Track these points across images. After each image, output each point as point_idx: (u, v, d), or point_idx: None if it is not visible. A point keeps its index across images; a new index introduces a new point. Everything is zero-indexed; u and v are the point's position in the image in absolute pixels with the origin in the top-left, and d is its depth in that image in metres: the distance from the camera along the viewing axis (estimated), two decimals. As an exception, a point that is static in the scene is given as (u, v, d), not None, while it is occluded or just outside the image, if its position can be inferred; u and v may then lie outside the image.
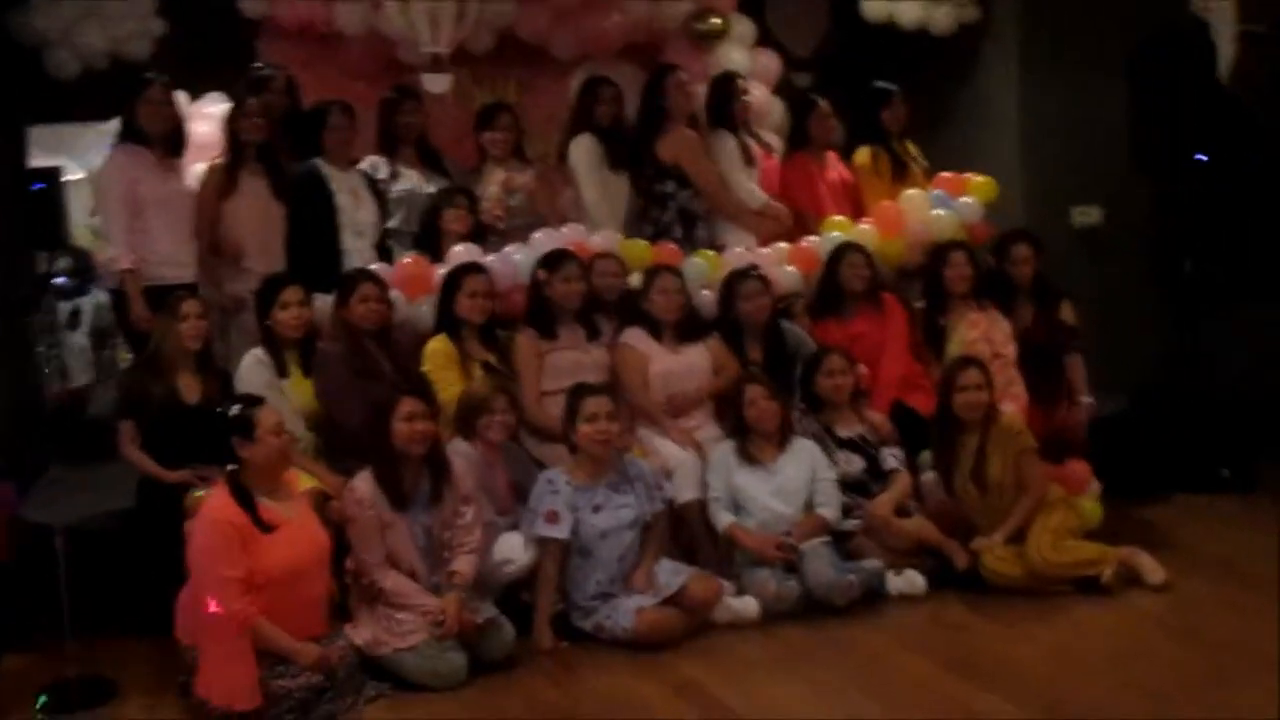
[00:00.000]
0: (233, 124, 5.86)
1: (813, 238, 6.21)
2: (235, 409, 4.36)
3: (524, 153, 6.41)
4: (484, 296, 5.38)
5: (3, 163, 6.55)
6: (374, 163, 6.22)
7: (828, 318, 5.98)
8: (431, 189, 6.17)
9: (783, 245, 6.19)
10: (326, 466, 4.99)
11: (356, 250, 5.93)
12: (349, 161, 6.09)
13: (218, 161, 5.87)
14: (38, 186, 6.98)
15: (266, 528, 4.23)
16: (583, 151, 6.18)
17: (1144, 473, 6.32)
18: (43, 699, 4.38)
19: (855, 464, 5.40)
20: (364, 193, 6.03)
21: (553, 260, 5.51)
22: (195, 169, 6.16)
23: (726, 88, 6.39)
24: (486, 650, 4.54)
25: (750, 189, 6.32)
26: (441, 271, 5.55)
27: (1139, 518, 5.97)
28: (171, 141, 5.78)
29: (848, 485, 5.34)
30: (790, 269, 6.06)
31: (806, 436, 5.36)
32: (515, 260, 5.70)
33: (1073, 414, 5.85)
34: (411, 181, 6.20)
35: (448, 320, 5.39)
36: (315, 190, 5.90)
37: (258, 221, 5.83)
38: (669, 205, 6.18)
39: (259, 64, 6.45)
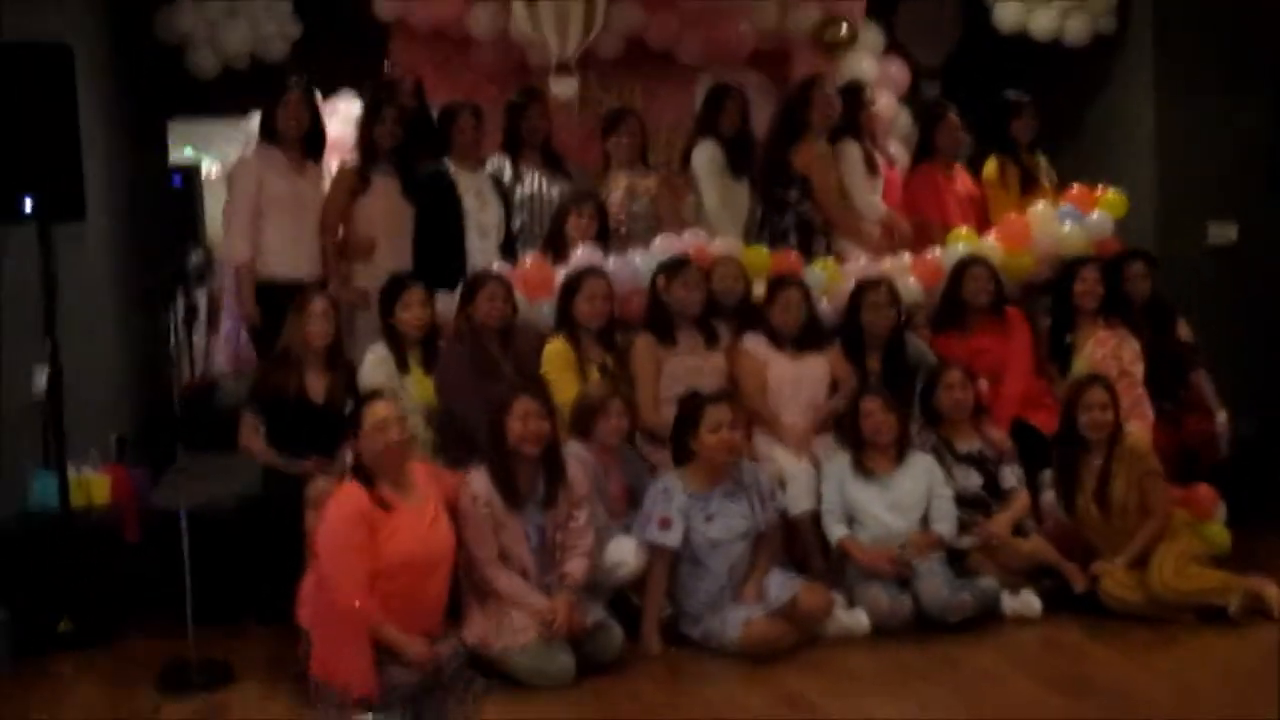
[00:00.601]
0: (366, 128, 5.99)
1: (936, 249, 6.16)
2: (350, 405, 4.46)
3: (647, 158, 6.46)
4: (603, 300, 5.43)
5: (145, 157, 6.79)
6: (499, 164, 6.32)
7: (950, 331, 5.94)
8: (555, 192, 6.26)
9: (906, 257, 6.16)
10: (443, 464, 5.06)
11: (481, 250, 6.04)
12: (476, 162, 6.20)
13: (349, 163, 6.01)
14: (177, 181, 7.26)
15: (388, 506, 4.32)
16: (706, 158, 6.22)
17: (1276, 499, 6.11)
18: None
19: (973, 480, 5.34)
20: (489, 194, 6.14)
21: (672, 266, 5.55)
22: (329, 168, 6.34)
23: (854, 97, 6.38)
24: (595, 652, 4.58)
25: (871, 201, 6.31)
26: (562, 274, 5.61)
27: (1270, 546, 5.78)
28: (308, 143, 5.94)
29: (965, 502, 5.28)
30: (912, 281, 6.02)
31: (925, 451, 5.33)
32: (636, 265, 5.75)
33: (1203, 428, 5.72)
34: (535, 184, 6.30)
35: (566, 322, 5.45)
36: (443, 191, 6.02)
37: (388, 220, 5.96)
38: (788, 213, 6.19)
39: (388, 68, 6.58)
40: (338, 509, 4.31)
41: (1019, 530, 5.27)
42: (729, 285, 5.70)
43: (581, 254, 5.70)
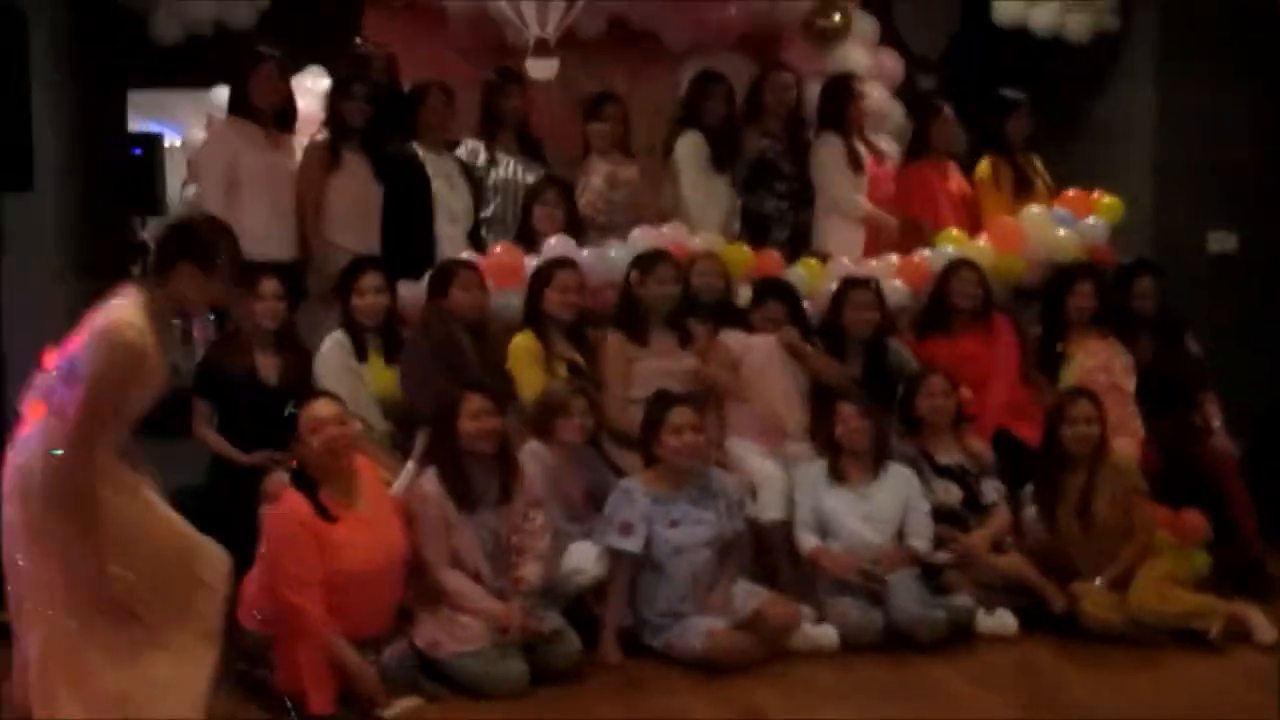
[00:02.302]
0: (336, 103, 5.98)
1: (925, 251, 6.19)
2: (289, 407, 4.45)
3: (629, 145, 6.45)
4: (574, 292, 5.44)
5: (104, 126, 6.76)
6: (473, 147, 6.31)
7: (934, 335, 5.96)
8: (530, 178, 6.25)
9: (892, 258, 6.17)
10: (401, 459, 5.07)
11: (449, 237, 6.05)
12: (445, 145, 6.19)
13: (319, 138, 5.99)
14: (137, 151, 7.23)
15: (332, 518, 4.31)
16: (689, 150, 6.23)
17: (1268, 518, 6.08)
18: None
19: (953, 494, 5.36)
20: (458, 178, 6.15)
21: (647, 261, 5.55)
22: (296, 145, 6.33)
23: (841, 89, 6.37)
24: (550, 660, 4.59)
25: (852, 198, 6.34)
26: (532, 264, 5.60)
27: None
28: (281, 117, 5.93)
29: (943, 515, 5.29)
30: (898, 284, 6.03)
31: (903, 461, 5.33)
32: (610, 257, 5.76)
33: (1210, 453, 5.74)
34: (509, 169, 6.29)
35: (535, 315, 5.44)
36: (412, 173, 6.01)
37: (357, 201, 5.95)
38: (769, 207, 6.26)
39: (360, 42, 6.55)
40: (280, 522, 4.30)
41: (998, 547, 5.27)
42: (708, 282, 5.71)
43: (554, 244, 5.70)
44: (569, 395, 5.05)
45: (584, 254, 5.71)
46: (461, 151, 6.29)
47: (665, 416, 4.87)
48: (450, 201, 6.09)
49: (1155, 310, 6.01)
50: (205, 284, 3.76)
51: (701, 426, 4.95)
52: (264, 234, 5.72)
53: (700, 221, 6.12)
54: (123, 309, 3.63)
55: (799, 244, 6.32)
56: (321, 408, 4.42)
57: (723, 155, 6.27)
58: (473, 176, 6.22)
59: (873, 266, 6.08)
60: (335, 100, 6.01)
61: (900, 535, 5.18)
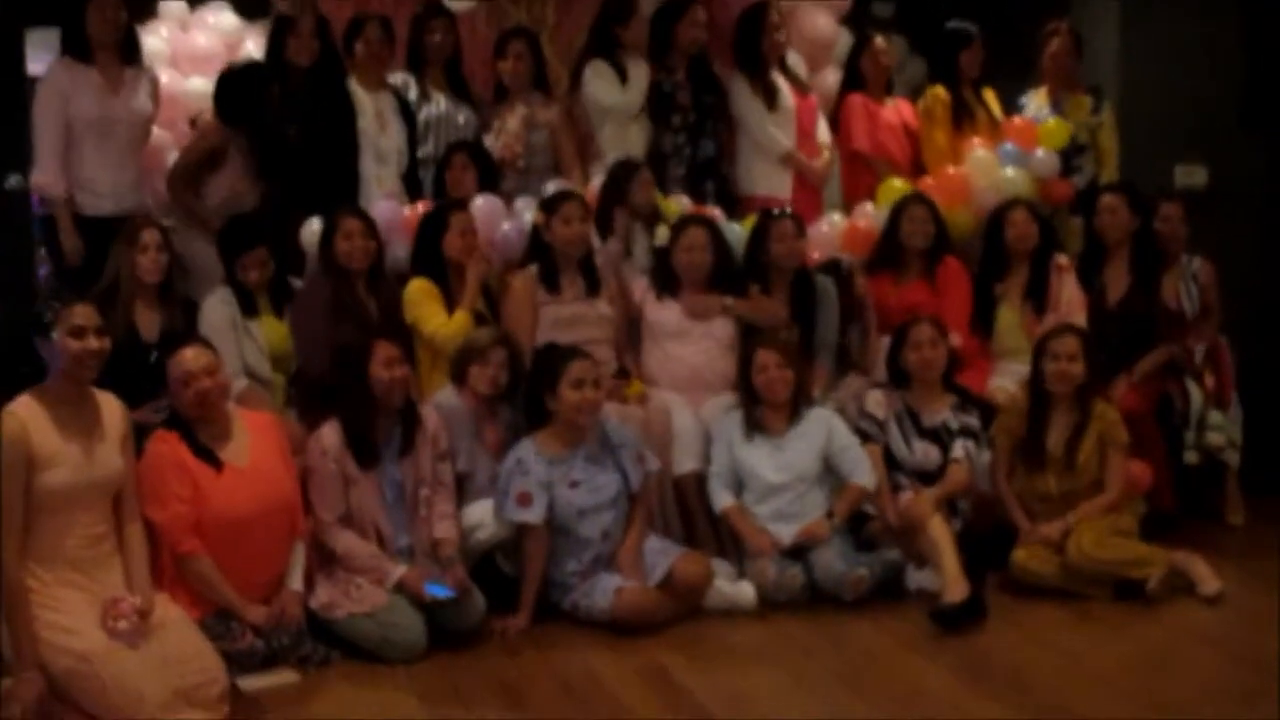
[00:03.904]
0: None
1: (868, 207, 6.20)
2: (154, 355, 4.49)
3: (546, 84, 6.47)
4: (471, 234, 5.48)
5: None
6: (404, 80, 6.34)
7: (883, 272, 6.02)
8: (461, 118, 6.31)
9: (836, 218, 6.23)
10: (296, 416, 5.14)
11: (376, 178, 6.09)
12: (380, 81, 6.21)
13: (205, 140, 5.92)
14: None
15: (216, 462, 4.40)
16: (595, 79, 6.29)
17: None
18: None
19: (932, 457, 5.36)
20: (391, 116, 6.17)
21: (553, 201, 5.57)
22: (192, 85, 6.32)
23: (753, 21, 6.41)
24: (452, 621, 4.66)
25: (770, 135, 6.38)
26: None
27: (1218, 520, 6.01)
28: (122, 51, 5.79)
29: (921, 477, 5.33)
30: (846, 257, 6.13)
31: (890, 420, 5.37)
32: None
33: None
34: (440, 106, 6.32)
35: (428, 261, 5.48)
36: (338, 109, 6.01)
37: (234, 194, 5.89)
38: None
39: (283, 6, 6.41)
40: (155, 457, 4.38)
41: (952, 506, 5.27)
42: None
43: (480, 205, 5.74)
44: (489, 343, 5.08)
45: (477, 201, 5.77)
46: (395, 81, 6.30)
47: (562, 369, 4.87)
48: (379, 141, 6.11)
49: (1131, 236, 6.03)
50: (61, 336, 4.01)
51: (601, 380, 4.99)
52: (108, 189, 5.72)
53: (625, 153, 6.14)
54: (16, 403, 3.94)
55: (700, 181, 6.34)
56: (190, 359, 4.46)
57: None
58: (409, 113, 6.24)
59: (824, 231, 6.14)
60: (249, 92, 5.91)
61: (822, 480, 5.22)
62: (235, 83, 5.93)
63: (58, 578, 3.98)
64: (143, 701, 3.83)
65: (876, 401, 5.43)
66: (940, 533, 5.01)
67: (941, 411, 5.41)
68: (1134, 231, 6.03)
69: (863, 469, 5.21)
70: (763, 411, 5.29)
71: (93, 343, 4.07)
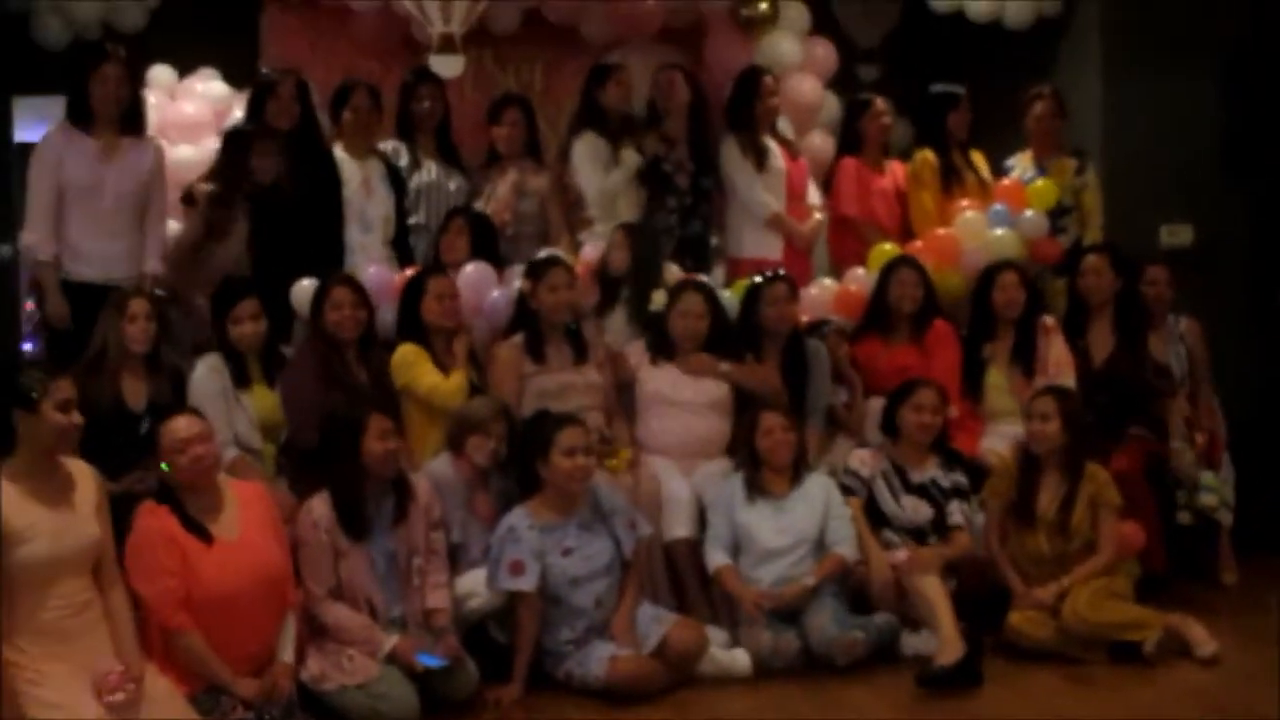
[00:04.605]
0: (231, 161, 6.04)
1: (859, 271, 6.34)
2: (144, 424, 4.56)
3: (539, 150, 6.60)
4: (451, 300, 5.57)
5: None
6: (395, 147, 6.46)
7: (871, 335, 6.13)
8: (452, 185, 6.46)
9: (827, 282, 6.38)
10: (285, 486, 5.22)
11: (362, 246, 6.20)
12: (368, 149, 6.33)
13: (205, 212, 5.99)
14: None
15: (206, 536, 4.46)
16: (584, 152, 6.44)
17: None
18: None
19: (922, 512, 5.49)
20: (378, 184, 6.29)
21: (539, 268, 5.67)
22: (181, 154, 6.42)
23: (746, 84, 6.58)
24: (446, 691, 4.73)
25: (759, 198, 6.54)
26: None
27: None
28: (124, 122, 5.86)
29: (911, 534, 5.45)
30: (835, 319, 6.23)
31: (876, 476, 5.50)
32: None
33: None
34: (431, 174, 6.47)
35: (412, 326, 5.57)
36: (320, 174, 6.13)
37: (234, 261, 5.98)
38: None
39: (264, 71, 6.60)
40: (144, 531, 4.43)
41: (952, 569, 5.34)
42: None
43: (469, 272, 5.84)
44: (491, 415, 5.17)
45: (467, 269, 5.87)
46: (385, 148, 6.41)
47: (555, 437, 4.96)
48: (366, 208, 6.24)
49: (1115, 297, 6.16)
50: (44, 420, 4.01)
51: (593, 449, 5.07)
52: (93, 257, 5.78)
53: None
54: None
55: (691, 254, 6.47)
56: (183, 426, 4.53)
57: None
58: (398, 179, 6.35)
59: (814, 296, 6.27)
60: (235, 158, 6.02)
61: (820, 546, 5.30)
62: (241, 142, 6.04)
63: (43, 651, 4.01)
64: None
65: (861, 459, 5.58)
66: (936, 593, 5.09)
67: (929, 469, 5.55)
68: (1118, 292, 6.17)
69: (848, 542, 5.31)
70: (764, 474, 5.38)
71: (77, 417, 4.15)
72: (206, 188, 6.02)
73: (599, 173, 6.42)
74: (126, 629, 4.23)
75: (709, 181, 6.57)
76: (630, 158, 6.47)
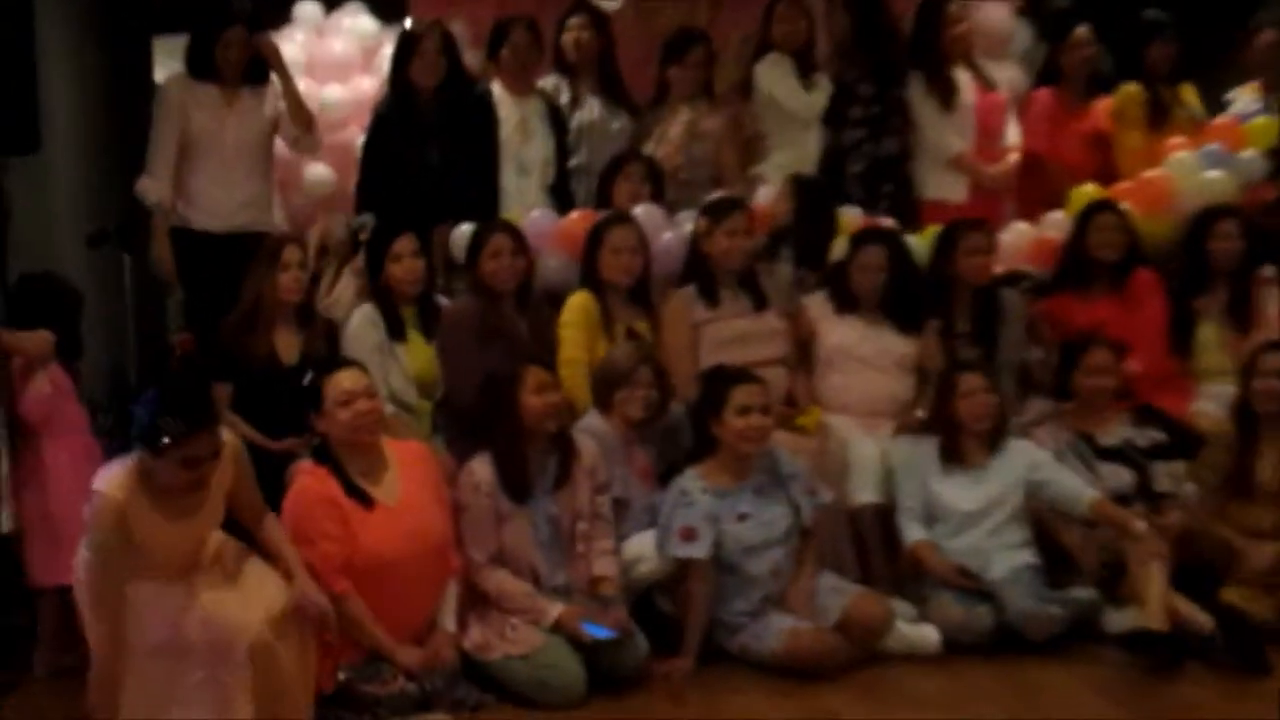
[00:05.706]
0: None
1: (1058, 216, 6.13)
2: (308, 377, 4.56)
3: (713, 90, 6.48)
4: (629, 253, 5.46)
5: (125, 78, 6.92)
6: (556, 84, 6.40)
7: (1067, 291, 5.93)
8: (615, 124, 6.37)
9: (1023, 229, 6.18)
10: (443, 446, 5.19)
11: (519, 190, 6.16)
12: (527, 87, 6.28)
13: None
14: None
15: (367, 500, 4.45)
16: (772, 70, 6.30)
17: None
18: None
19: (1123, 478, 5.30)
20: (537, 124, 6.24)
21: (718, 209, 5.56)
22: (329, 94, 6.41)
23: (929, 15, 6.39)
24: (613, 664, 4.66)
25: (943, 139, 6.36)
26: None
27: None
28: (246, 72, 5.98)
29: (1115, 501, 5.19)
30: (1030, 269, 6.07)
31: (1061, 448, 5.32)
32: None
33: None
34: (593, 112, 6.37)
35: (591, 279, 5.51)
36: (480, 117, 6.08)
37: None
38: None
39: (411, 24, 6.54)
40: (303, 492, 4.45)
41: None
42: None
43: (639, 213, 5.75)
44: (633, 363, 5.09)
45: (639, 209, 5.76)
46: (546, 85, 6.36)
47: (728, 394, 4.85)
48: (523, 151, 6.20)
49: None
50: (169, 459, 3.97)
51: (770, 406, 4.95)
52: (210, 202, 5.91)
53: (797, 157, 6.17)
54: (112, 473, 4.00)
55: (878, 183, 6.31)
56: (347, 379, 4.53)
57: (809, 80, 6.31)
58: (559, 119, 6.29)
59: (1007, 243, 6.09)
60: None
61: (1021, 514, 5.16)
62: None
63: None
64: None
65: (1036, 439, 5.39)
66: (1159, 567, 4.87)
67: (1118, 429, 5.37)
68: None
69: (1087, 490, 5.09)
70: (962, 440, 5.23)
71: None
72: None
73: (794, 93, 6.30)
74: (293, 555, 4.27)
75: (898, 92, 6.37)
76: (823, 82, 6.35)
